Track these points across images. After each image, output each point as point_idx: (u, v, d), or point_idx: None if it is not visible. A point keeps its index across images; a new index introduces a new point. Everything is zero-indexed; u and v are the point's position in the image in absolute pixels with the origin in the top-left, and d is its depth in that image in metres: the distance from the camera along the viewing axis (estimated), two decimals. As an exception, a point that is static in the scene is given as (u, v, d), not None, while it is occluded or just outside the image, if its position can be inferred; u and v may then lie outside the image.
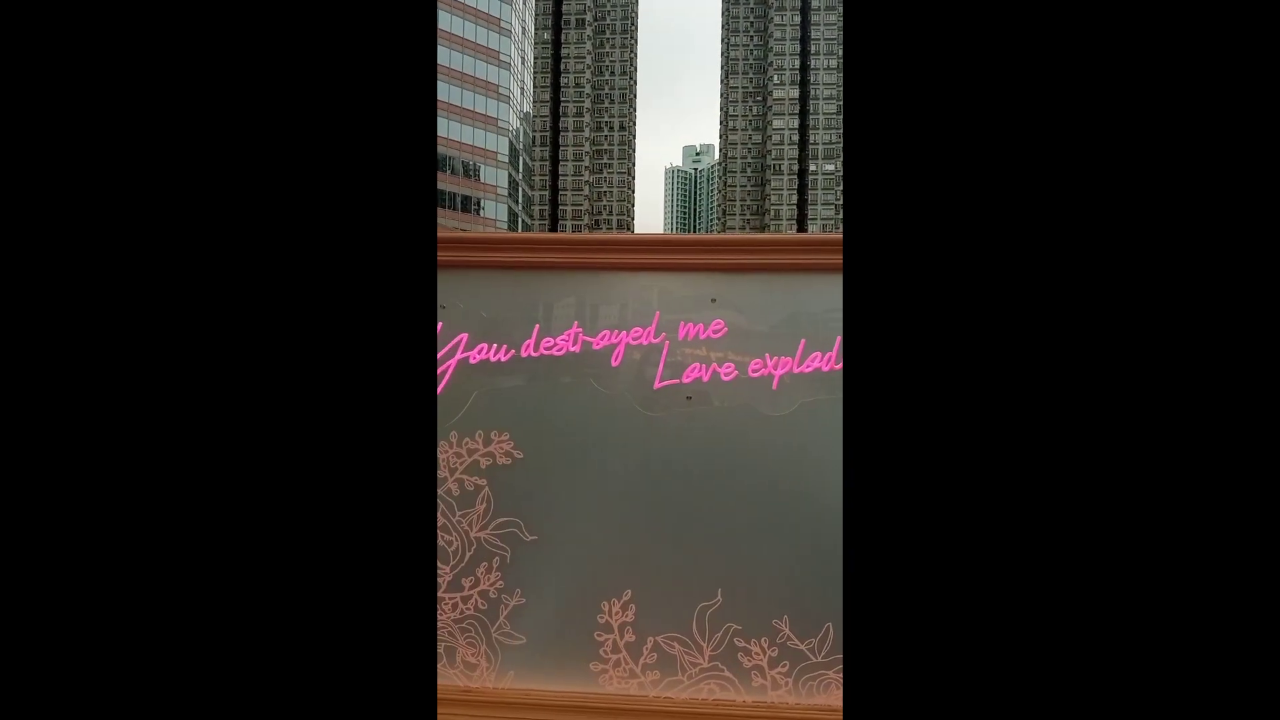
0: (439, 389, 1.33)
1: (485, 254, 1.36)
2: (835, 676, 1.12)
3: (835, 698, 1.12)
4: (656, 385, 1.27)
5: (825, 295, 1.14)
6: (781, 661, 1.13)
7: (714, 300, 1.26)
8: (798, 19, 78.42)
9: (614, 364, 1.29)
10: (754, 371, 1.16)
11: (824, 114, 77.93)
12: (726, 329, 1.24)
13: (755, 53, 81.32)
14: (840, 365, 1.13)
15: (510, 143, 54.52)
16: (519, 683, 1.31)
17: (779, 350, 1.14)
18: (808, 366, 1.14)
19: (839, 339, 1.13)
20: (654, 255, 1.28)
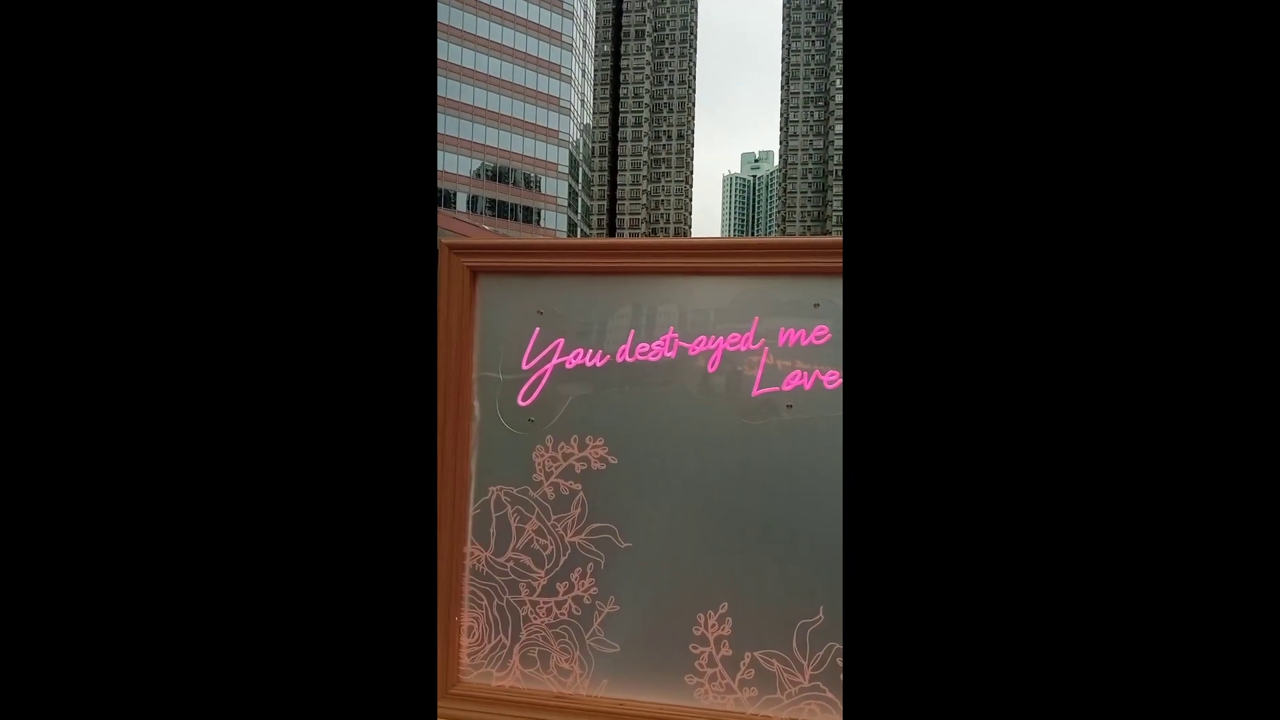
0: (536, 393, 1.34)
1: (582, 259, 1.36)
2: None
3: None
4: (755, 392, 1.24)
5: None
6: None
7: (817, 305, 1.22)
8: (861, 21, 76.89)
9: (711, 370, 1.27)
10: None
11: (888, 117, 75.89)
12: (830, 335, 1.20)
13: (817, 57, 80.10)
14: (957, 373, 1.08)
15: (570, 154, 55.61)
16: (612, 691, 1.30)
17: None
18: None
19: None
20: (754, 260, 1.25)
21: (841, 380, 1.19)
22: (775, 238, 1.18)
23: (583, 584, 1.32)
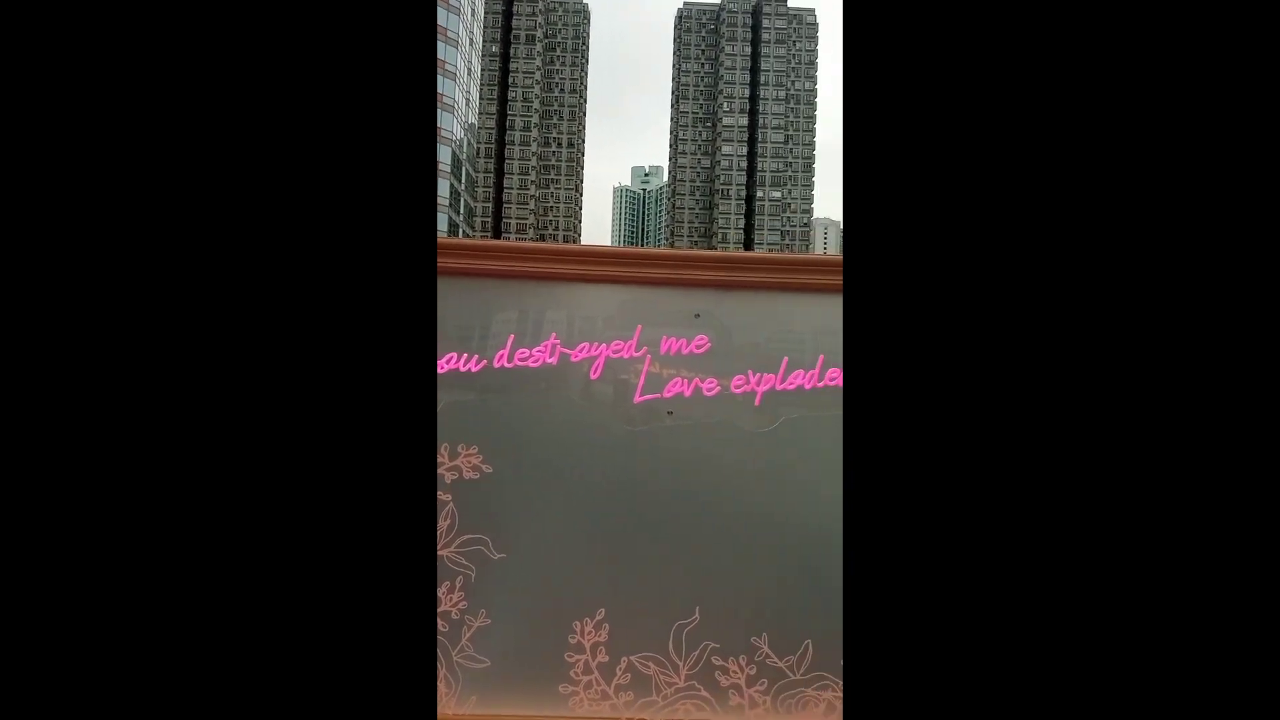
0: (408, 398, 1.27)
1: (461, 260, 1.31)
2: (814, 694, 1.12)
3: (814, 715, 1.12)
4: (636, 399, 1.26)
5: (811, 314, 1.16)
6: (760, 680, 1.12)
7: (698, 315, 1.26)
8: (749, 50, 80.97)
9: (593, 377, 1.27)
10: (736, 388, 1.17)
11: (772, 143, 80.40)
12: (710, 344, 1.24)
13: (706, 80, 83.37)
14: (822, 384, 1.15)
15: (453, 152, 53.69)
16: (481, 708, 1.25)
17: (762, 367, 1.15)
18: (790, 384, 1.15)
19: (822, 357, 1.14)
20: (638, 269, 1.27)
21: (718, 388, 1.23)
22: (661, 249, 1.20)
23: (450, 599, 1.26)
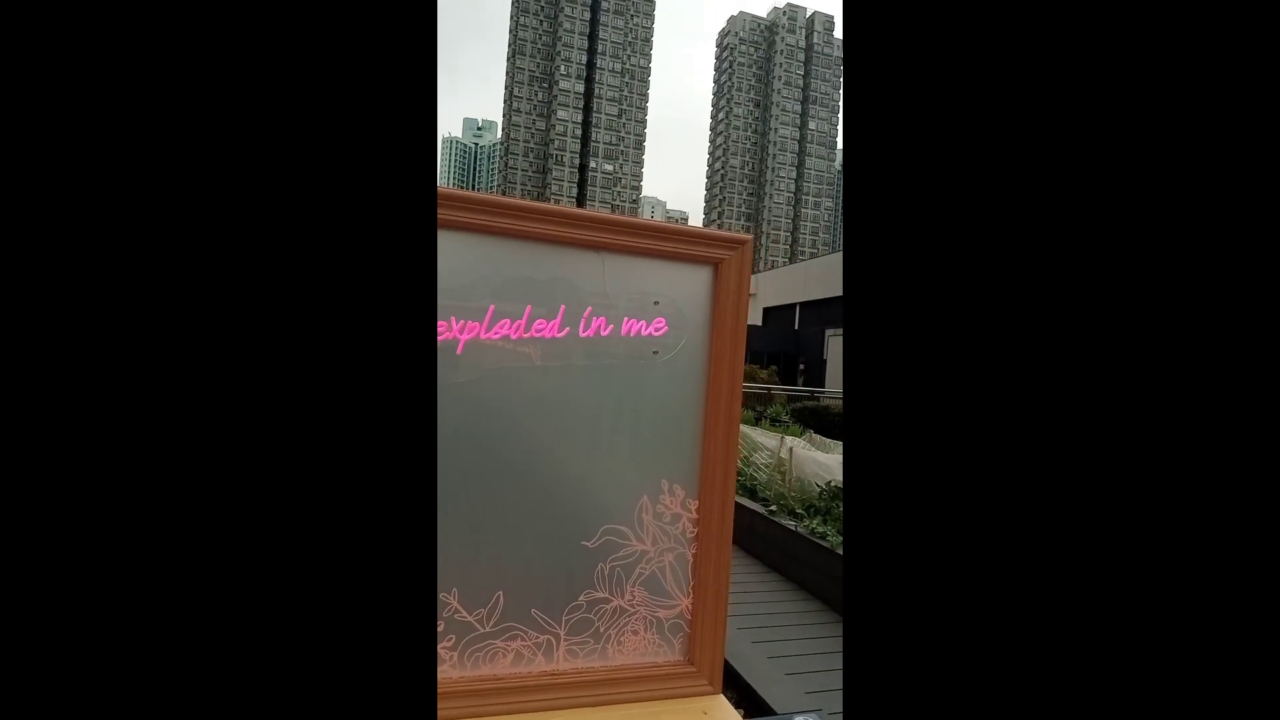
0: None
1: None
2: (503, 645, 1.11)
3: (501, 667, 1.12)
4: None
5: (520, 261, 1.12)
6: (448, 635, 1.09)
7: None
8: (588, 15, 79.77)
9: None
10: (439, 335, 1.10)
11: (606, 114, 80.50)
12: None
13: (544, 38, 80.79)
14: (529, 334, 1.12)
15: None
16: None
17: (465, 315, 1.09)
18: (496, 333, 1.11)
19: (529, 307, 1.11)
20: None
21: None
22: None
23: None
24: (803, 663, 2.42)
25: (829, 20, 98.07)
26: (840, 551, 3.08)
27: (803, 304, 27.22)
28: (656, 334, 1.21)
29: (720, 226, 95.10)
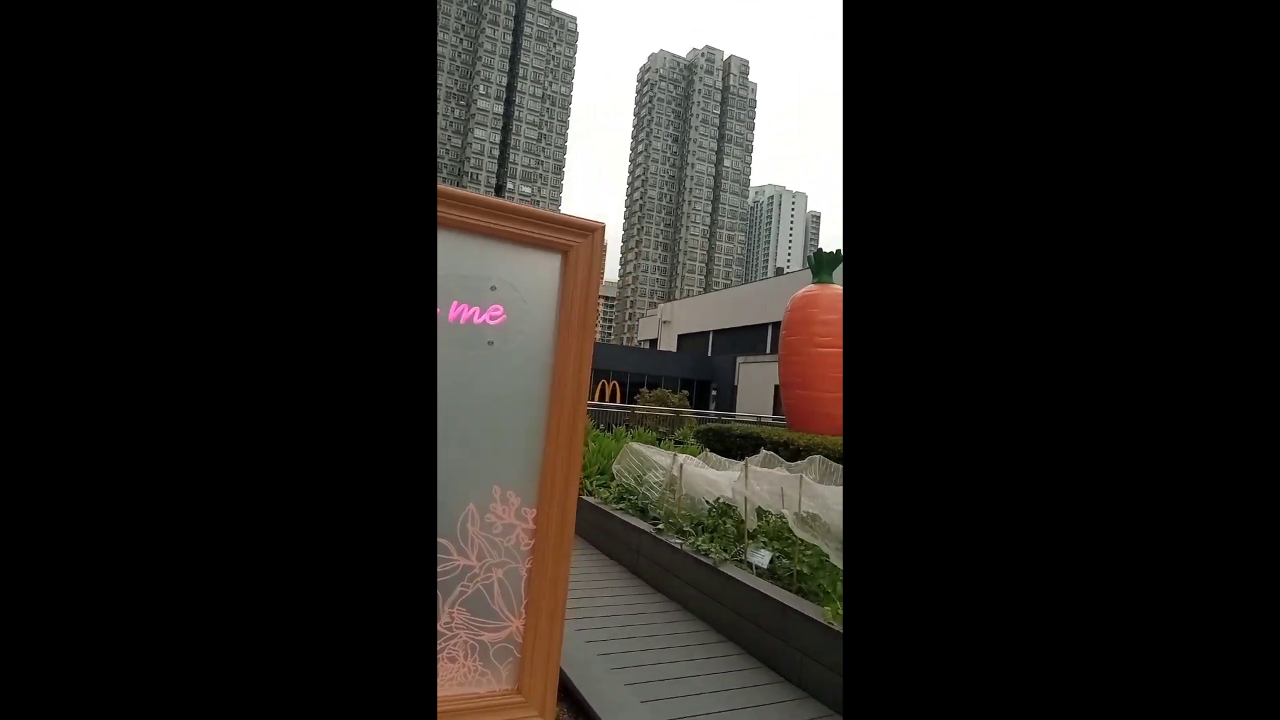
0: None
1: None
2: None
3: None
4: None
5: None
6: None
7: None
8: (510, 39, 79.97)
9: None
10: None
11: (526, 137, 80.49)
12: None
13: (464, 56, 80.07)
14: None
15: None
16: None
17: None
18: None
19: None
20: None
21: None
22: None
23: None
24: (664, 688, 2.32)
25: (745, 64, 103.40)
26: (723, 570, 3.03)
27: (716, 331, 27.94)
28: (493, 323, 1.10)
29: (639, 256, 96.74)
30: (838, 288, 8.67)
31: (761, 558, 3.07)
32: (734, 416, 14.57)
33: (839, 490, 3.26)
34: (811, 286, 8.74)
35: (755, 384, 22.65)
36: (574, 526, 1.13)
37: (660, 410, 11.85)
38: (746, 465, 3.61)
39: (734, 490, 3.61)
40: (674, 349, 29.96)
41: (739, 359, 24.13)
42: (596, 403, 17.75)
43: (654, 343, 32.20)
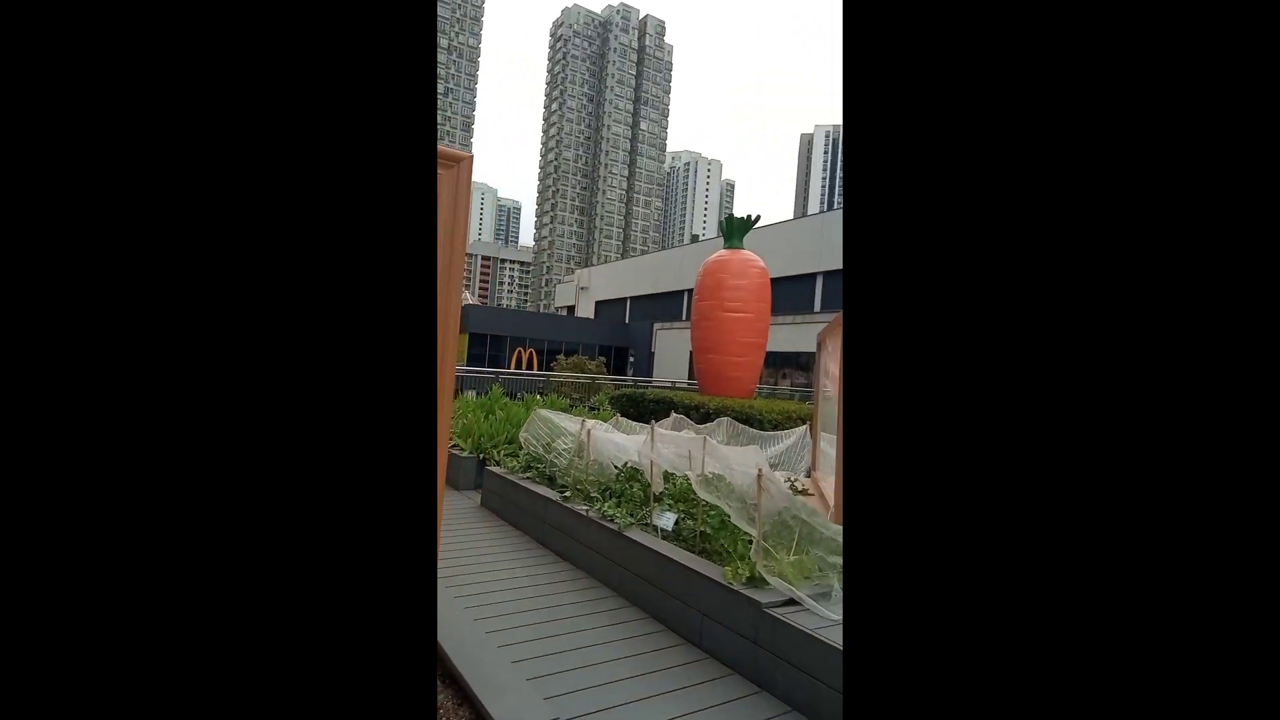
0: None
1: None
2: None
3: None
4: None
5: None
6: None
7: None
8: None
9: None
10: None
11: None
12: None
13: (360, 2, 74.31)
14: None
15: None
16: None
17: None
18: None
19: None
20: None
21: None
22: None
23: None
24: (554, 662, 2.26)
25: (660, 25, 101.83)
26: (627, 534, 3.00)
27: (633, 298, 27.92)
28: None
29: (554, 220, 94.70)
30: (748, 253, 8.77)
31: (666, 520, 3.06)
32: (650, 382, 14.67)
33: (743, 451, 3.28)
34: (723, 252, 8.80)
35: (672, 350, 22.92)
36: (444, 482, 1.02)
37: (577, 377, 11.72)
38: (653, 428, 3.57)
39: (640, 454, 3.58)
40: (591, 315, 29.75)
41: (656, 325, 24.29)
42: (515, 371, 17.39)
43: (571, 309, 31.81)
